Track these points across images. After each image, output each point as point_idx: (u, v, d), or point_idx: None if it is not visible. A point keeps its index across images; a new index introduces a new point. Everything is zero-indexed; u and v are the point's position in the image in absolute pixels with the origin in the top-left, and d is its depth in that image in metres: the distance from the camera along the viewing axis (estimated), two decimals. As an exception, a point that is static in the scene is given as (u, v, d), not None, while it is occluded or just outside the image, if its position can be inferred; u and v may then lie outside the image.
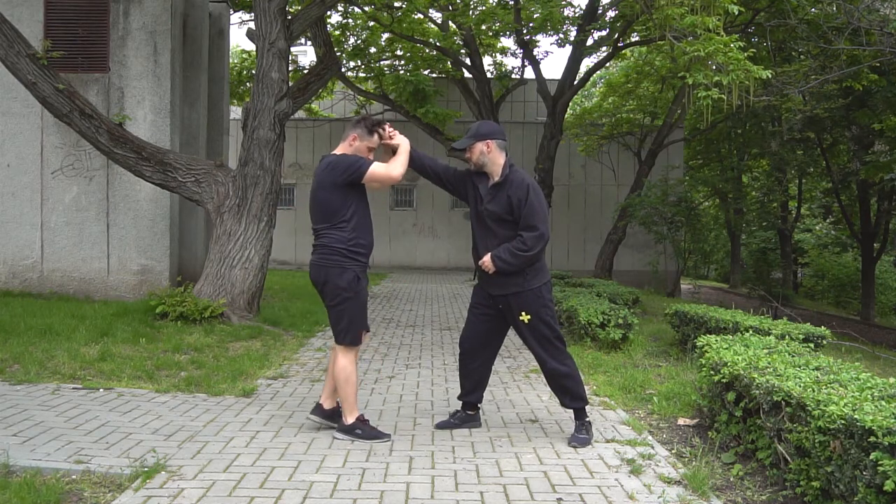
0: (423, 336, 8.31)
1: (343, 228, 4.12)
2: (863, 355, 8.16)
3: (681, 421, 4.71)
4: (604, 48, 17.70)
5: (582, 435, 4.17)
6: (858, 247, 23.55)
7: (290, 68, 11.95)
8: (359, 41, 18.51)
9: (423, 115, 16.99)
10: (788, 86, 13.55)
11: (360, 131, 4.24)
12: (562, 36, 16.80)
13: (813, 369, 3.85)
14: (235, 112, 18.62)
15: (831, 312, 22.66)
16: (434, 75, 19.74)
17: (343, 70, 17.85)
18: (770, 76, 8.99)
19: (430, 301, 12.18)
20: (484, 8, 16.67)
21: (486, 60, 19.75)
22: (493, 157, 4.23)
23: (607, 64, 20.57)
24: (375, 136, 4.26)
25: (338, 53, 15.97)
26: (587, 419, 4.26)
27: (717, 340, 4.72)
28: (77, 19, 10.19)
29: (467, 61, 18.35)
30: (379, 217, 21.59)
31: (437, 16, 18.47)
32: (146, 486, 3.35)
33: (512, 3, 16.00)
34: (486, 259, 4.15)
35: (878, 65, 14.09)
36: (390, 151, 4.32)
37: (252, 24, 9.79)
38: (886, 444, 2.72)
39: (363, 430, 4.14)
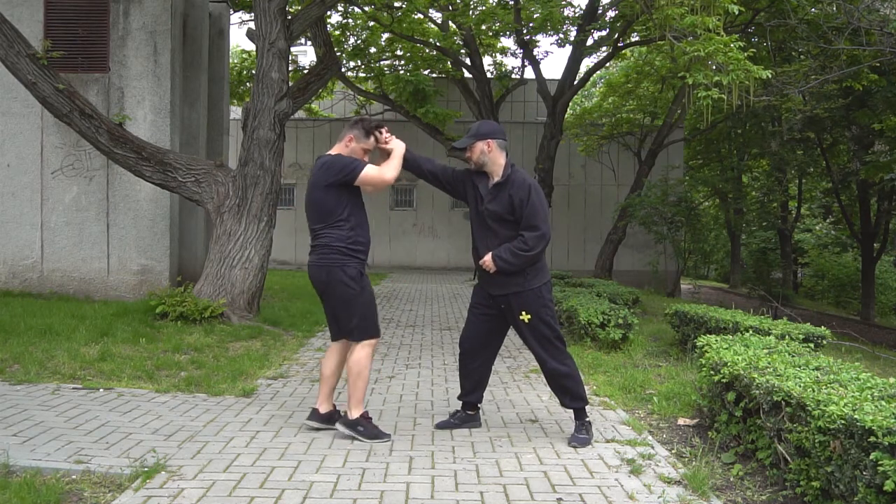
0: (423, 336, 8.32)
1: (341, 227, 4.13)
2: (863, 355, 8.16)
3: (681, 421, 4.71)
4: (604, 48, 17.71)
5: (582, 435, 4.17)
6: (858, 247, 23.56)
7: (290, 68, 11.95)
8: (359, 41, 18.51)
9: (423, 115, 17.00)
10: (788, 86, 13.55)
11: (356, 133, 4.27)
12: (562, 36, 16.81)
13: (813, 369, 3.85)
14: (235, 112, 18.61)
15: (831, 312, 22.66)
16: (434, 75, 19.74)
17: (343, 70, 17.85)
18: (770, 76, 9.00)
19: (430, 301, 12.18)
20: (484, 8, 16.67)
21: (486, 60, 19.78)
22: (493, 156, 4.23)
23: (607, 64, 20.58)
24: (371, 139, 4.28)
25: (338, 53, 15.98)
26: (587, 419, 4.26)
27: (717, 340, 4.72)
28: (77, 19, 10.19)
29: (467, 61, 18.35)
30: (379, 217, 21.62)
31: (437, 16, 18.48)
32: (146, 486, 3.35)
33: (512, 3, 16.00)
34: (487, 259, 4.15)
35: (878, 65, 14.09)
36: (386, 154, 4.34)
37: (252, 24, 9.79)
38: (886, 444, 2.71)
39: (365, 428, 4.14)
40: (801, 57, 16.16)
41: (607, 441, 4.23)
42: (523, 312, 4.17)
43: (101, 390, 5.12)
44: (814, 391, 3.32)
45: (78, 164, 10.24)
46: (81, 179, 10.25)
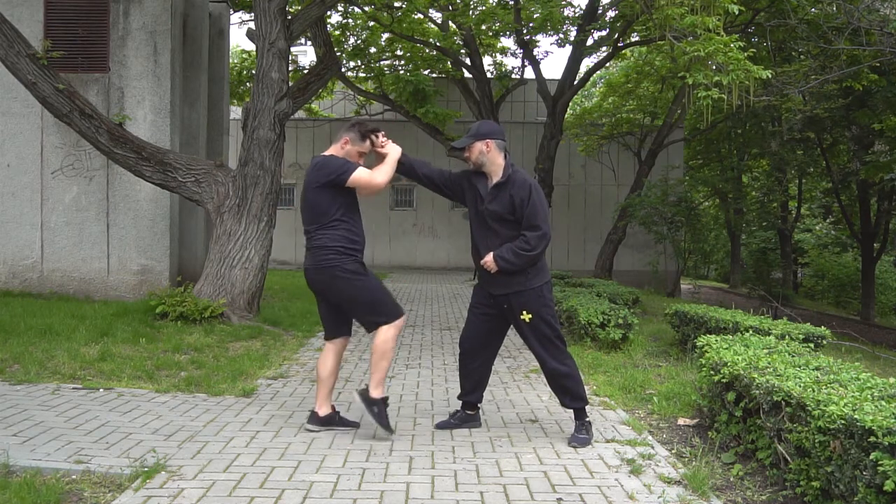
0: (423, 336, 8.32)
1: (336, 227, 4.14)
2: (863, 355, 8.16)
3: (681, 421, 4.71)
4: (604, 48, 17.70)
5: (582, 435, 4.17)
6: (858, 247, 23.55)
7: (290, 68, 11.95)
8: (359, 41, 18.50)
9: (423, 115, 17.00)
10: (788, 86, 13.55)
11: (352, 135, 4.27)
12: (562, 36, 16.80)
13: (813, 369, 3.85)
14: (235, 112, 18.61)
15: (831, 312, 22.66)
16: (434, 75, 19.73)
17: (343, 70, 17.84)
18: (770, 76, 8.99)
19: (430, 301, 12.18)
20: (484, 8, 16.66)
21: (486, 60, 19.77)
22: (492, 156, 4.23)
23: (607, 64, 20.57)
24: (367, 142, 4.30)
25: (338, 53, 15.97)
26: (587, 419, 4.26)
27: (717, 340, 4.72)
28: (77, 19, 10.19)
29: (467, 61, 18.34)
30: (379, 217, 21.62)
31: (437, 16, 18.47)
32: (146, 486, 3.35)
33: (512, 3, 15.99)
34: (489, 259, 4.15)
35: (878, 65, 14.09)
36: (381, 158, 4.34)
37: (252, 24, 9.79)
38: (886, 444, 2.71)
39: (379, 411, 4.13)
40: (801, 57, 16.16)
41: (607, 441, 4.23)
42: (524, 312, 4.17)
43: (101, 390, 5.12)
44: (814, 391, 3.32)
45: (78, 164, 10.25)
46: (81, 179, 10.25)
